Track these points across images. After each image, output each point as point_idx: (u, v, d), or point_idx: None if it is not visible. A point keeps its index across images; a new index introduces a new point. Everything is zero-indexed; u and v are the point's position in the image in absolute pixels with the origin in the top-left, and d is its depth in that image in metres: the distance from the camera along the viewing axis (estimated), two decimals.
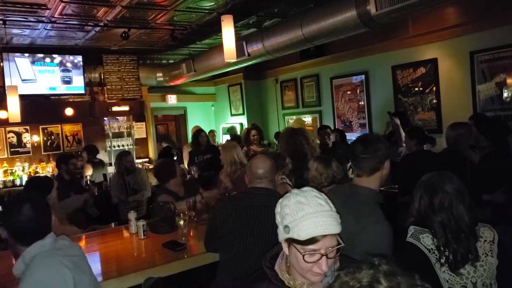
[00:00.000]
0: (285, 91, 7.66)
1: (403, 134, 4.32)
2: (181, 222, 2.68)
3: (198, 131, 5.62)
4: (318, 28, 4.54)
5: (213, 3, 4.76)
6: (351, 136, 5.85)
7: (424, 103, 5.33)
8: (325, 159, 2.78)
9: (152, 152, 7.75)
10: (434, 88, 5.20)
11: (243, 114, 8.27)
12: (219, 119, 8.96)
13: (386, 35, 5.45)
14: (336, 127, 6.24)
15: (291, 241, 1.24)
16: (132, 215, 3.00)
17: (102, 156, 7.10)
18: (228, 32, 4.32)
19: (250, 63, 5.99)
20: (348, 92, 6.43)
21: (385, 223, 1.68)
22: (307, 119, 7.29)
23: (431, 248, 1.61)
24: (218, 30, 5.50)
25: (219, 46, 6.16)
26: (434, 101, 5.22)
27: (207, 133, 6.17)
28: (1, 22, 4.65)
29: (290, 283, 1.28)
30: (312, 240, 1.19)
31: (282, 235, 1.28)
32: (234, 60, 4.56)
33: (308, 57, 6.70)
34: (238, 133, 7.57)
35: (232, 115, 8.63)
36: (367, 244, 1.59)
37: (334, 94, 6.62)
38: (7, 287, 2.06)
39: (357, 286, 0.92)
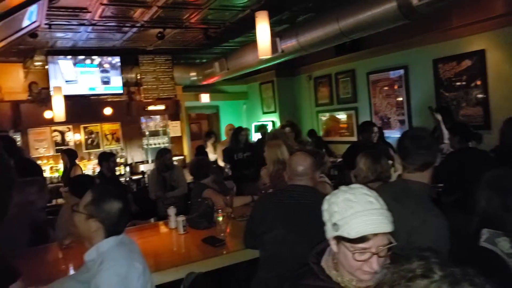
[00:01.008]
0: (319, 88, 7.53)
1: (444, 130, 4.14)
2: (220, 218, 2.69)
3: (239, 129, 5.62)
4: (356, 22, 4.42)
5: (247, 0, 4.75)
6: (389, 134, 5.68)
7: (469, 97, 5.05)
8: (374, 154, 2.71)
9: (186, 150, 7.87)
10: (480, 82, 4.92)
11: (275, 112, 8.23)
12: (251, 117, 8.96)
13: (426, 27, 5.22)
14: None
15: (340, 239, 1.22)
16: (172, 211, 3.05)
17: (139, 154, 7.31)
18: (262, 28, 4.29)
19: (283, 59, 5.94)
20: (386, 88, 6.23)
21: (444, 216, 1.63)
22: (341, 116, 7.15)
23: (510, 253, 1.52)
24: (251, 27, 5.49)
25: (252, 44, 6.16)
26: (481, 95, 4.93)
27: None
28: (47, 26, 4.85)
29: (338, 279, 1.26)
30: (363, 239, 1.16)
31: (330, 233, 1.26)
32: (269, 57, 4.52)
33: (343, 52, 6.56)
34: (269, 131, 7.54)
35: (264, 113, 8.61)
36: (428, 238, 1.53)
37: (371, 90, 6.43)
38: (52, 279, 2.13)
39: (410, 276, 0.89)
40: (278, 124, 7.91)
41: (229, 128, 6.73)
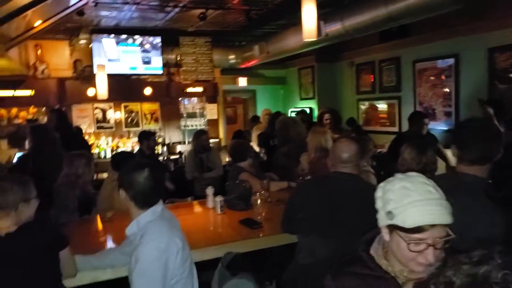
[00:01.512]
0: (361, 75, 7.30)
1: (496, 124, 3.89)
2: (258, 201, 2.68)
3: (276, 114, 5.56)
4: (405, 6, 4.22)
5: None
6: (434, 126, 5.42)
7: None
8: (420, 144, 2.58)
9: (222, 133, 7.91)
10: None
11: (314, 98, 8.07)
12: (288, 103, 8.85)
13: (481, 14, 4.88)
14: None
15: (394, 228, 1.17)
16: (210, 191, 3.07)
17: (177, 134, 7.41)
18: (308, 9, 4.14)
19: (326, 43, 5.78)
20: (432, 78, 5.94)
21: (501, 212, 1.53)
22: (382, 105, 6.91)
23: None
24: (294, 9, 5.34)
25: (294, 27, 6.03)
26: None
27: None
28: (93, 4, 4.95)
29: (388, 269, 1.22)
30: (419, 229, 1.11)
31: (383, 221, 1.21)
32: (314, 39, 4.38)
33: (388, 39, 6.29)
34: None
35: (301, 99, 8.47)
36: (482, 234, 1.46)
37: (417, 79, 6.14)
38: (91, 250, 2.20)
39: (470, 261, 0.87)
40: (316, 111, 7.78)
41: (265, 113, 6.68)
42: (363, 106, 7.32)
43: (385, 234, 1.21)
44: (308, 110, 7.87)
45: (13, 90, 6.09)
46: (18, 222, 1.76)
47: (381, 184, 1.27)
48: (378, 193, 1.25)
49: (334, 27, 5.16)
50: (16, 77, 6.02)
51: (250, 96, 9.06)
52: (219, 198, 2.91)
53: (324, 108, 6.20)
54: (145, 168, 1.75)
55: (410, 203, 1.13)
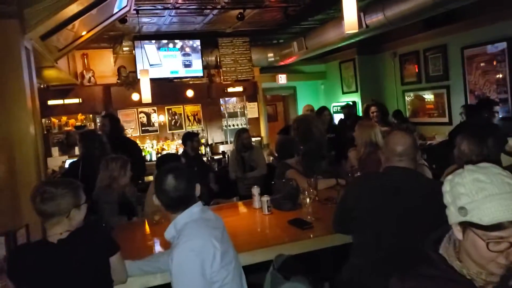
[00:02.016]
0: (405, 65, 7.00)
1: None
2: (308, 200, 2.59)
3: (321, 109, 5.42)
4: None
5: None
6: None
7: None
8: (479, 134, 2.39)
9: (263, 131, 7.89)
10: None
11: (356, 91, 7.85)
12: (329, 97, 8.66)
13: None
14: (469, 104, 5.51)
15: (468, 225, 1.07)
16: (256, 190, 3.01)
17: (219, 135, 7.47)
18: (349, 0, 4.01)
19: (367, 35, 5.59)
20: (483, 64, 5.58)
21: None
22: (429, 96, 6.58)
23: None
24: (332, 3, 5.23)
25: (332, 21, 5.89)
26: None
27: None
28: (135, 12, 5.09)
29: (463, 271, 1.11)
30: (499, 226, 1.01)
31: (455, 218, 1.11)
32: (356, 31, 4.23)
33: (433, 26, 5.98)
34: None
35: (343, 93, 8.26)
36: None
37: (466, 66, 5.79)
38: (132, 256, 2.12)
39: None
40: (360, 104, 7.56)
41: (307, 109, 6.55)
42: (409, 98, 7.02)
43: (458, 232, 1.12)
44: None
45: (62, 99, 6.38)
46: (70, 228, 1.75)
47: (449, 177, 1.17)
48: (446, 187, 1.16)
49: (375, 18, 4.97)
50: (65, 86, 6.32)
51: (290, 93, 8.98)
52: (265, 198, 2.85)
53: (369, 101, 5.98)
54: (168, 174, 1.74)
55: (486, 197, 1.04)
